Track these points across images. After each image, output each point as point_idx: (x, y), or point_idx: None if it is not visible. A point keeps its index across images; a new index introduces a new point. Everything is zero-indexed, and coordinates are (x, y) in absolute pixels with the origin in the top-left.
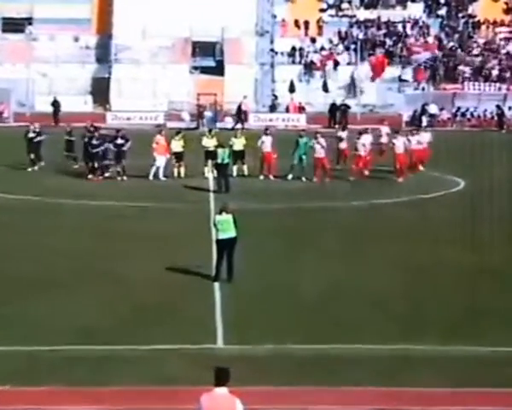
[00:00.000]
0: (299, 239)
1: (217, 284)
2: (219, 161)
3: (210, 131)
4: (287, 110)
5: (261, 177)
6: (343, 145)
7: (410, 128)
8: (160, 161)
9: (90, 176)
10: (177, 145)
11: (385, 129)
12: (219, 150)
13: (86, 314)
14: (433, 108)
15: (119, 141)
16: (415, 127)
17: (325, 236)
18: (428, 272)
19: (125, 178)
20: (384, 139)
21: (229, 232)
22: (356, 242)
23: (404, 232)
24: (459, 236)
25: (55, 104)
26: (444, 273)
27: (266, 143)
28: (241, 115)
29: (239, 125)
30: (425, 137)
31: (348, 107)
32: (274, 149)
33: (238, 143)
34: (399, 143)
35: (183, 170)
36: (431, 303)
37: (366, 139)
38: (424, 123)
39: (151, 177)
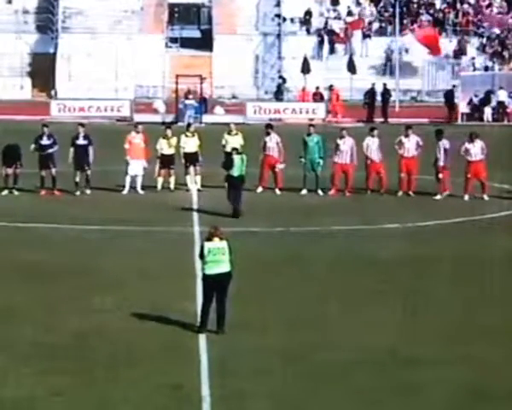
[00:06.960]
0: (320, 275)
1: (203, 337)
2: (232, 172)
3: (189, 126)
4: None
5: (259, 189)
6: (373, 156)
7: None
8: (136, 167)
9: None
10: (167, 146)
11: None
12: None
13: None
14: (501, 95)
15: (82, 141)
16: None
17: (357, 270)
18: None
19: (87, 191)
20: None
21: (222, 266)
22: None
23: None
24: None
25: None
26: None
27: (269, 144)
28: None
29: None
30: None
31: (389, 94)
32: (281, 154)
33: (234, 143)
34: None
35: (173, 180)
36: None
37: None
38: (489, 115)
39: (126, 190)
